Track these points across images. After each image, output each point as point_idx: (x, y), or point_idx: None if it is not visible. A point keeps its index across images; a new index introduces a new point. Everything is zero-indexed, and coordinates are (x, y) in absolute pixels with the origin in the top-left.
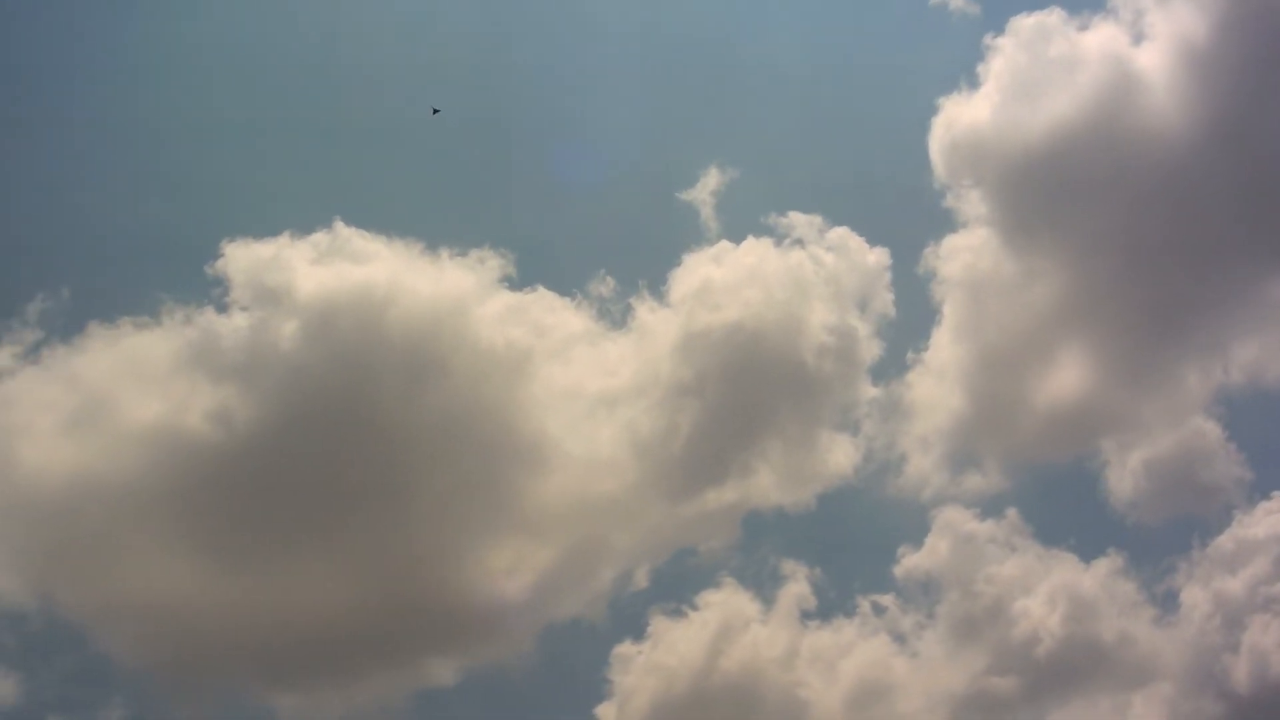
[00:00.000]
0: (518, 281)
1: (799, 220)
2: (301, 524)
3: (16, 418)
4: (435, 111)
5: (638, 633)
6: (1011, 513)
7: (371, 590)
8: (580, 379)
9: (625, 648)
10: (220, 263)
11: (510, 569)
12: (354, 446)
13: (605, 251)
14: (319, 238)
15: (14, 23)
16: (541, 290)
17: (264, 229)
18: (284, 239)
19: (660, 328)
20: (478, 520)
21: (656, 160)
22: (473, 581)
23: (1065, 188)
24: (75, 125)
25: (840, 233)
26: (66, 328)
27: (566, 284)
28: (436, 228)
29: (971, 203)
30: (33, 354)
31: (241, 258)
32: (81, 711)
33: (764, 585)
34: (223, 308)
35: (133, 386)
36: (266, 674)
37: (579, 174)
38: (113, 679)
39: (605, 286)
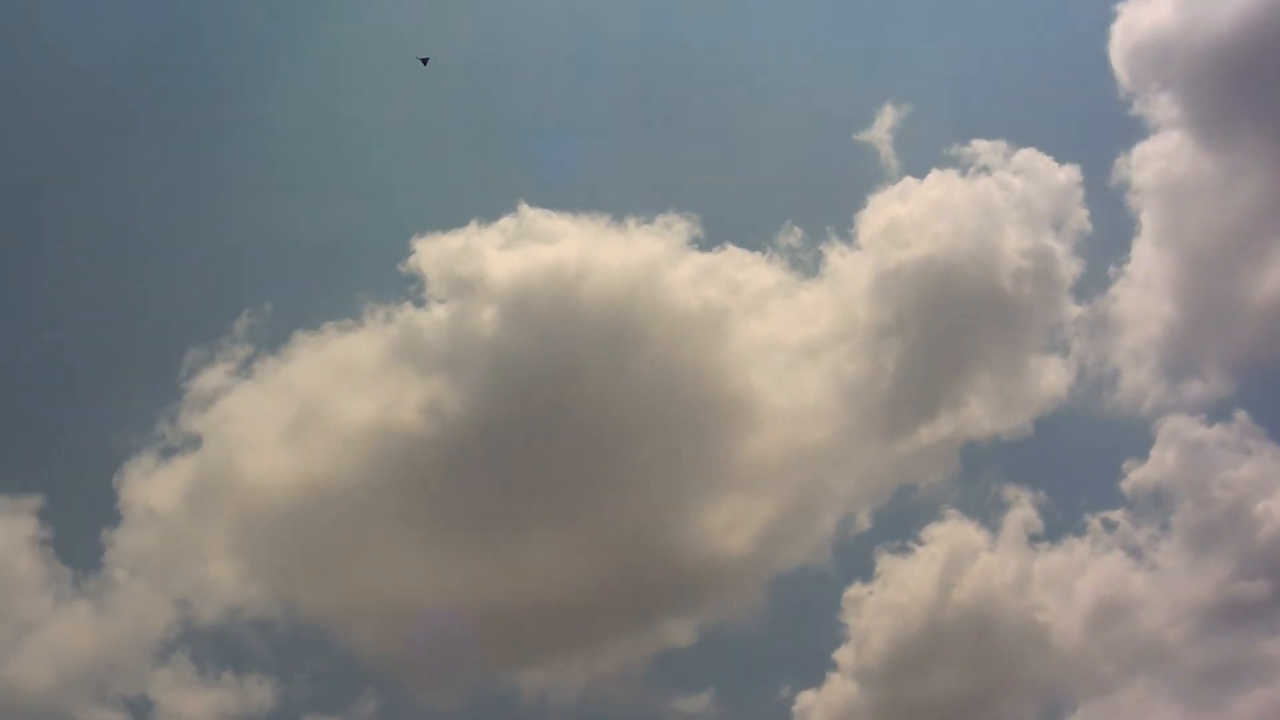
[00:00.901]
0: (706, 242)
1: (982, 147)
2: (523, 504)
3: (237, 432)
4: (425, 61)
5: (866, 574)
6: (1240, 415)
7: (599, 561)
8: (779, 331)
9: (855, 590)
10: (413, 259)
11: (731, 525)
12: (564, 422)
13: (789, 202)
14: (505, 223)
15: (197, 36)
16: (730, 248)
17: (451, 221)
18: (471, 228)
19: (852, 271)
20: (693, 481)
21: (830, 105)
22: (697, 541)
23: (1262, 77)
24: (251, 139)
25: (1026, 155)
26: (274, 339)
27: (754, 239)
28: (619, 199)
29: (1160, 107)
30: (245, 369)
31: (433, 252)
32: (337, 709)
33: (988, 513)
34: (420, 302)
35: (344, 389)
36: (508, 653)
37: (752, 127)
38: (362, 674)
39: (793, 237)
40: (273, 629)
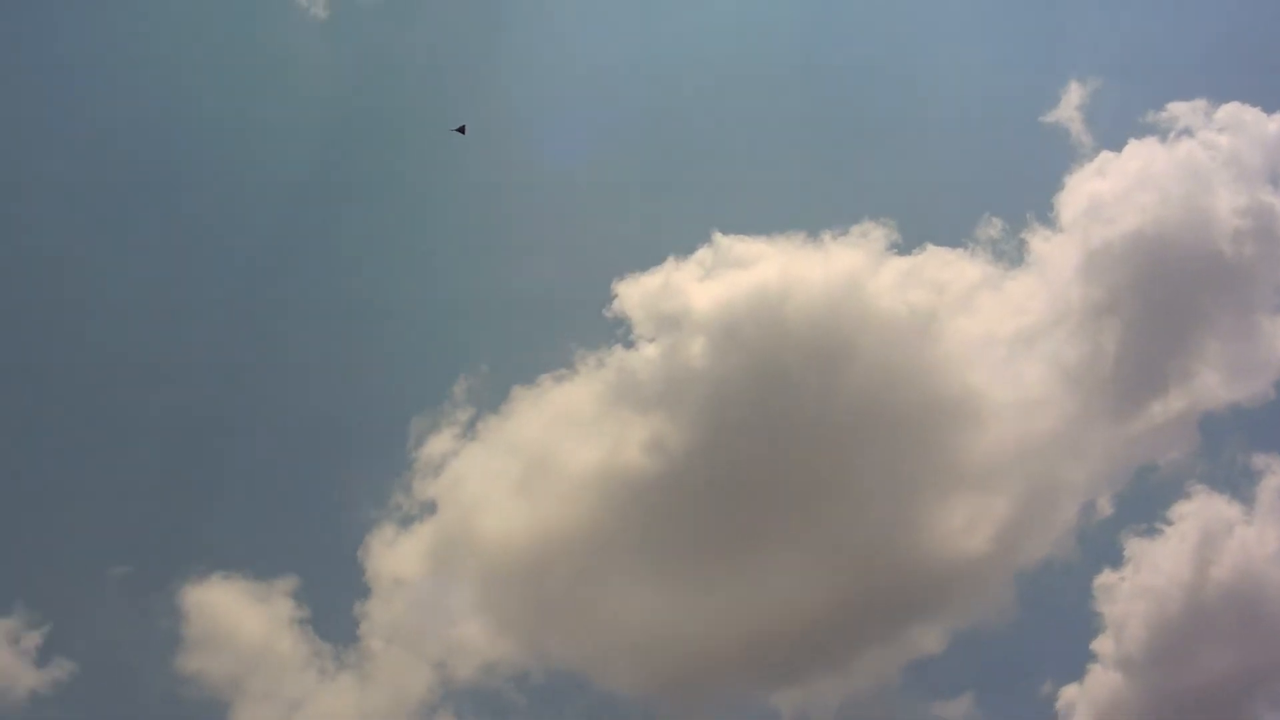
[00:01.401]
0: (904, 245)
1: (1180, 110)
2: (757, 527)
3: (470, 493)
4: (461, 130)
5: (1115, 560)
6: None
7: (839, 576)
8: (991, 325)
9: (1105, 578)
10: (616, 303)
11: (968, 526)
12: (786, 442)
13: (984, 194)
14: (702, 254)
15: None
16: (930, 248)
17: (648, 260)
18: (669, 264)
19: (1059, 255)
20: (924, 486)
21: (1010, 89)
22: (935, 546)
23: None
24: (442, 202)
25: (1230, 109)
26: (493, 398)
27: (953, 235)
28: (812, 214)
29: None
30: (469, 431)
31: (634, 293)
32: None
33: (1238, 485)
34: (629, 344)
35: (567, 437)
36: (762, 676)
37: (937, 123)
38: (622, 713)
39: (993, 228)
40: (529, 680)
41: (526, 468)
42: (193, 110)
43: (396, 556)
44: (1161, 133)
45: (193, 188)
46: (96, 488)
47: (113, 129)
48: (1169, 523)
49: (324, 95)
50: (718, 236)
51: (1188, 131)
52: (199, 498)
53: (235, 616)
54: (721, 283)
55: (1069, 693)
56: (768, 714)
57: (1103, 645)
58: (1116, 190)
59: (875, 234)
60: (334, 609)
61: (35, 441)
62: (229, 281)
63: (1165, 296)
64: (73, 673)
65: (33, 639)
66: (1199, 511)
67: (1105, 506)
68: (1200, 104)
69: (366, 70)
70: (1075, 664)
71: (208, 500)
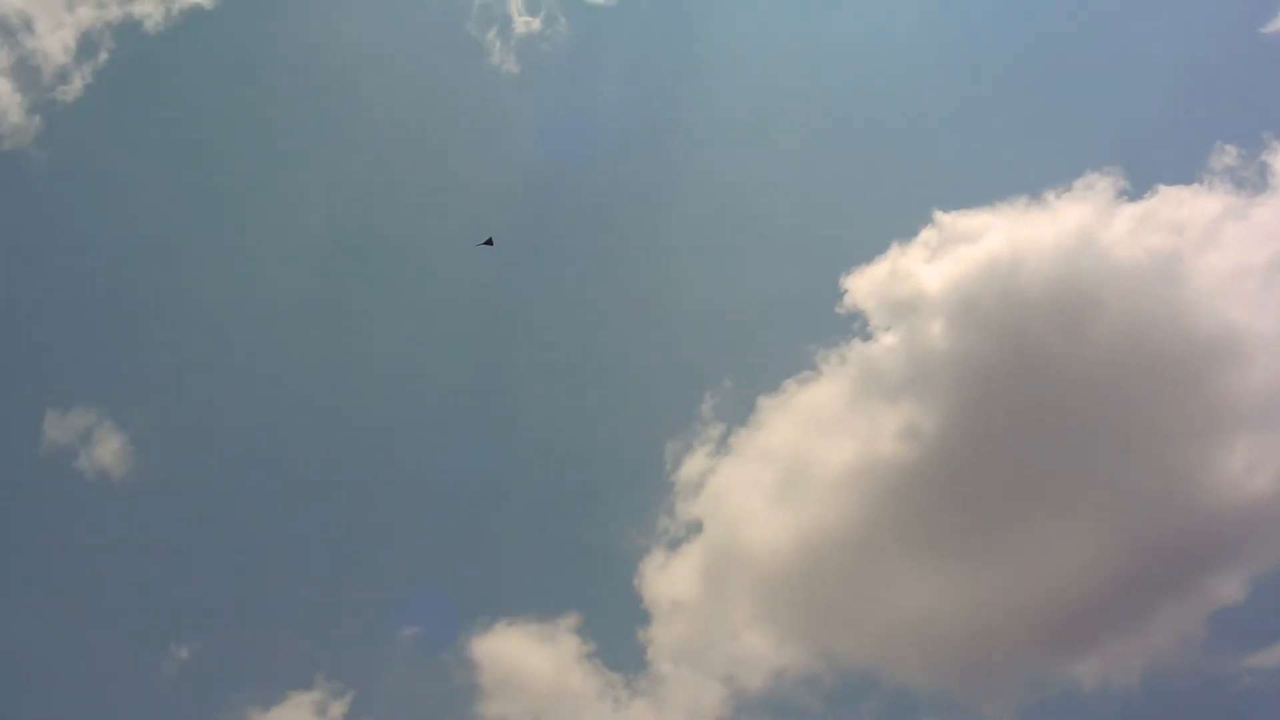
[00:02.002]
0: (1134, 191)
1: None
2: (1027, 499)
3: (733, 508)
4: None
5: None
6: None
7: (1121, 535)
8: (1241, 256)
9: None
10: (847, 298)
11: (1251, 466)
12: (1042, 409)
13: (1211, 122)
14: (925, 235)
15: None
16: (1162, 189)
17: (872, 250)
18: (894, 251)
19: None
20: (1195, 432)
21: (1223, 3)
22: (1218, 491)
23: None
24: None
25: None
26: (740, 410)
27: (1185, 172)
28: (1031, 176)
29: None
30: (722, 446)
31: (863, 286)
32: None
33: None
34: (867, 336)
35: (820, 438)
36: (1057, 648)
37: (1146, 55)
38: (919, 705)
39: (1227, 156)
40: (820, 683)
41: (784, 474)
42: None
43: (670, 579)
44: None
45: (408, 240)
46: (376, 552)
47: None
48: None
49: (522, 141)
50: (939, 215)
51: None
52: (473, 550)
53: (526, 659)
54: (950, 260)
55: None
56: (1068, 687)
57: None
58: None
59: (1101, 185)
60: (618, 639)
61: (313, 516)
62: (465, 329)
63: None
64: None
65: (339, 708)
66: None
67: None
68: None
69: (557, 117)
70: None
71: (482, 551)
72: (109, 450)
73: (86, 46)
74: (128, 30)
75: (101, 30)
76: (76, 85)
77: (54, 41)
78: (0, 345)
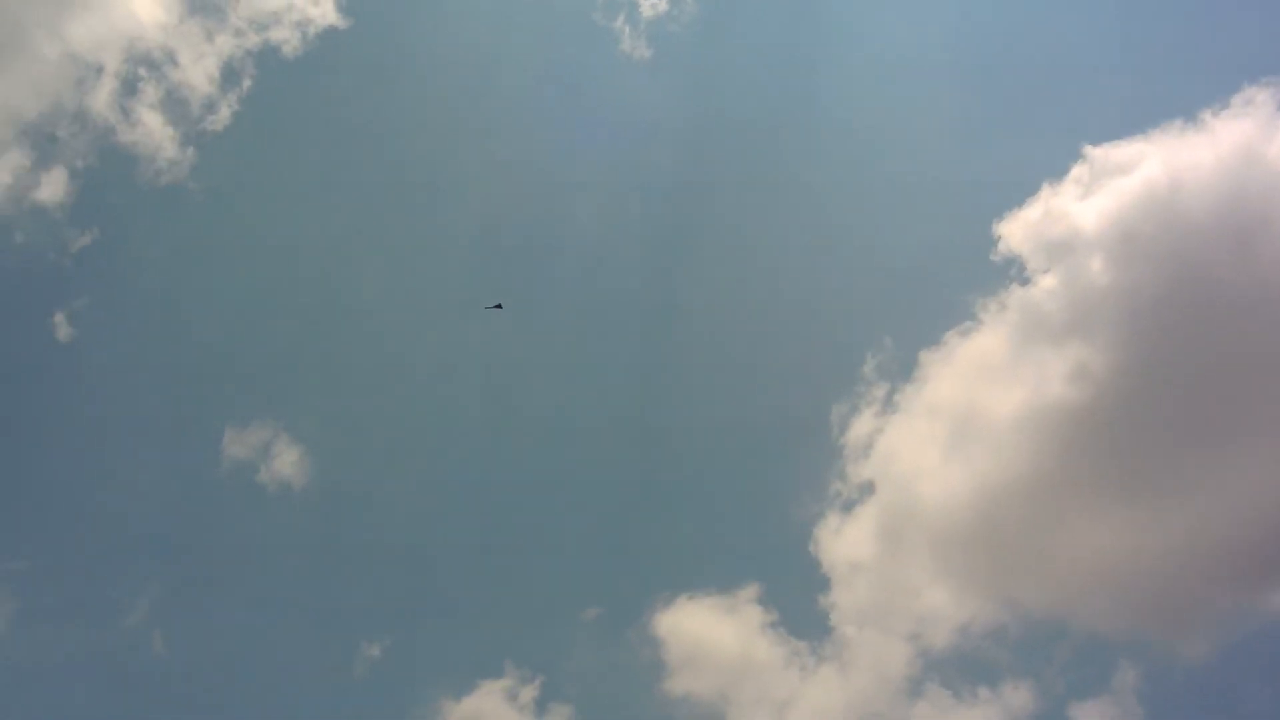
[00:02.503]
0: None
1: None
2: (1210, 428)
3: (904, 466)
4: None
5: None
6: None
7: None
8: None
9: None
10: (1001, 244)
11: None
12: (1217, 333)
13: None
14: (1076, 172)
15: None
16: None
17: (1022, 193)
18: (1044, 192)
19: None
20: None
21: None
22: None
23: None
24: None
25: None
26: (903, 368)
27: None
28: (1183, 98)
29: None
30: (888, 405)
31: (1017, 230)
32: (1098, 688)
33: None
34: (1025, 281)
35: (987, 388)
36: (1252, 580)
37: None
38: (1110, 648)
39: None
40: (1006, 634)
41: (953, 428)
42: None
43: (847, 542)
44: None
45: (562, 229)
46: (554, 539)
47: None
48: None
49: (662, 119)
50: (1088, 149)
51: None
52: (649, 529)
53: (709, 633)
54: (1104, 195)
55: None
56: (1268, 620)
57: None
58: None
59: (1261, 98)
60: (799, 606)
61: (489, 510)
62: (626, 314)
63: None
64: (570, 717)
65: (529, 693)
66: None
67: None
68: None
69: (691, 98)
70: None
71: (659, 529)
72: (287, 462)
73: (229, 75)
74: (267, 56)
75: (242, 58)
76: (224, 114)
77: (198, 73)
78: (176, 371)
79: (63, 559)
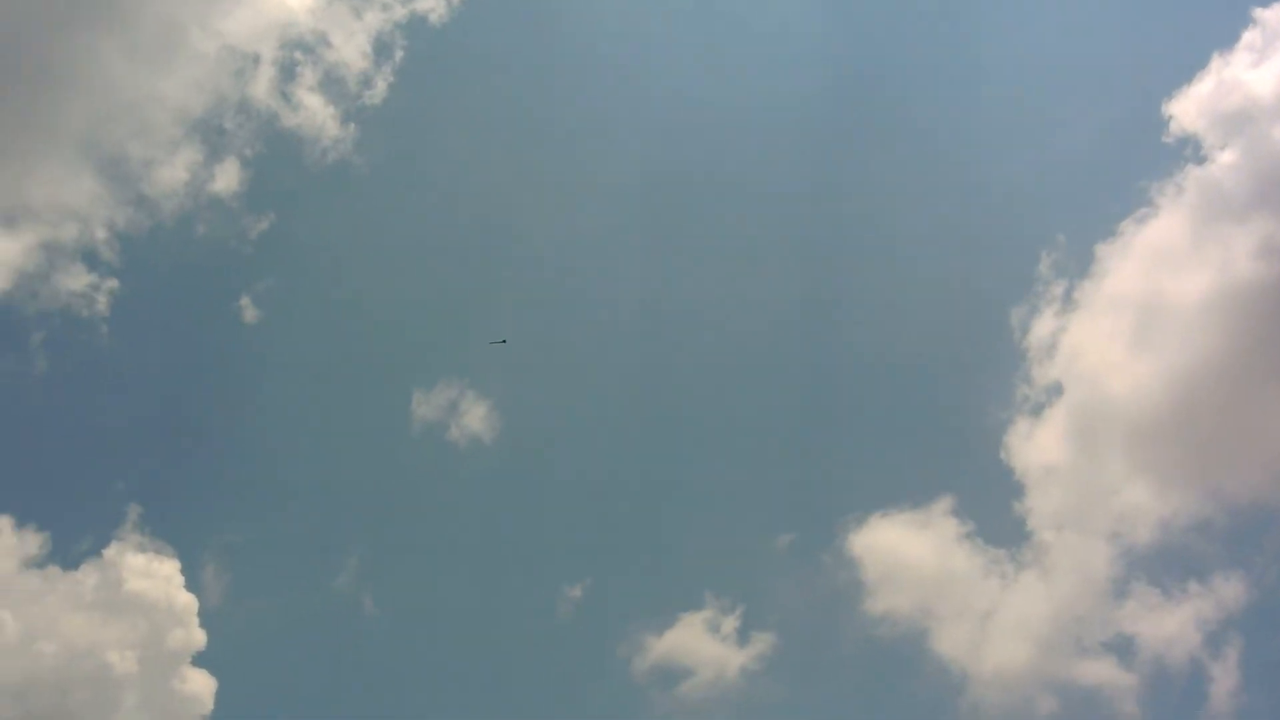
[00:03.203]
0: None
1: None
2: None
3: (1091, 362)
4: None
5: None
6: None
7: None
8: None
9: None
10: (1173, 124)
11: None
12: None
13: None
14: (1247, 38)
15: None
16: None
17: (1191, 67)
18: (1215, 64)
19: None
20: None
21: None
22: None
23: None
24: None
25: None
26: (1080, 263)
27: None
28: None
29: None
30: (1068, 303)
31: (1188, 108)
32: None
33: None
34: (1201, 159)
35: (1170, 275)
36: None
37: None
38: None
39: None
40: (1212, 526)
41: (1138, 318)
42: None
43: (1038, 446)
44: None
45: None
46: (742, 467)
47: None
48: None
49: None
50: (1258, 12)
51: None
52: (834, 450)
53: (905, 549)
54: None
55: None
56: None
57: None
58: None
59: None
60: (995, 514)
61: (676, 445)
62: (794, 246)
63: None
64: (773, 644)
65: (730, 623)
66: None
67: None
68: None
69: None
70: None
71: (844, 449)
72: (475, 417)
73: (381, 49)
74: (415, 26)
75: (391, 31)
76: (380, 88)
77: (351, 51)
78: (359, 341)
79: (272, 531)
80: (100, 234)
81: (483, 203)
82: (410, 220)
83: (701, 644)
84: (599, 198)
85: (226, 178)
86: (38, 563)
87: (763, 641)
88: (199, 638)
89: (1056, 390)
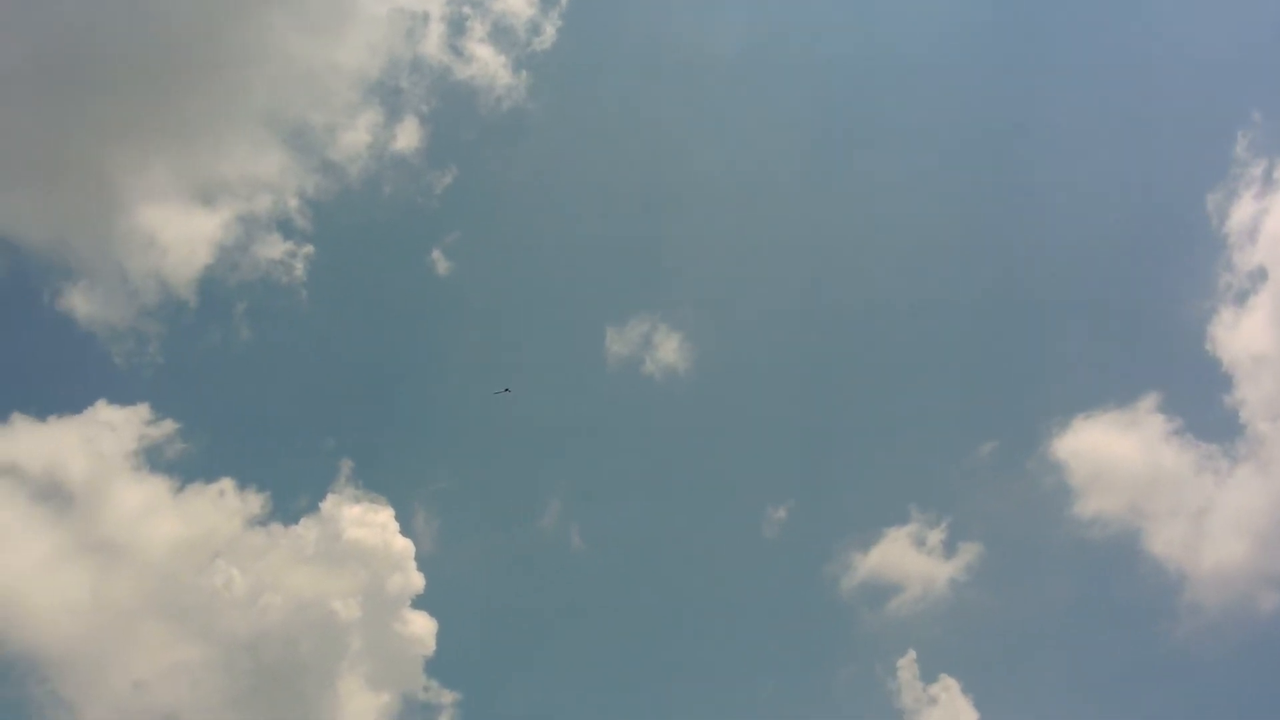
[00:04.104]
0: None
1: None
2: None
3: None
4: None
5: None
6: None
7: None
8: None
9: None
10: None
11: None
12: None
13: None
14: None
15: None
16: None
17: None
18: None
19: None
20: None
21: None
22: None
23: None
24: None
25: None
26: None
27: None
28: None
29: None
30: (1268, 183)
31: None
32: None
33: None
34: None
35: None
36: None
37: None
38: None
39: None
40: None
41: None
42: None
43: (1245, 335)
44: None
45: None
46: (941, 377)
47: None
48: None
49: None
50: None
51: None
52: (1033, 353)
53: (1111, 450)
54: None
55: None
56: None
57: None
58: None
59: None
60: (1203, 409)
61: (871, 363)
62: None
63: None
64: (981, 555)
65: (936, 535)
66: None
67: None
68: None
69: None
70: None
71: (1042, 352)
72: (669, 350)
73: None
74: None
75: None
76: (549, 33)
77: None
78: (549, 283)
79: (477, 475)
80: (292, 203)
81: (658, 138)
82: (589, 161)
83: (908, 558)
84: (776, 126)
85: (407, 136)
86: (260, 521)
87: (970, 552)
88: (417, 581)
89: (1260, 275)
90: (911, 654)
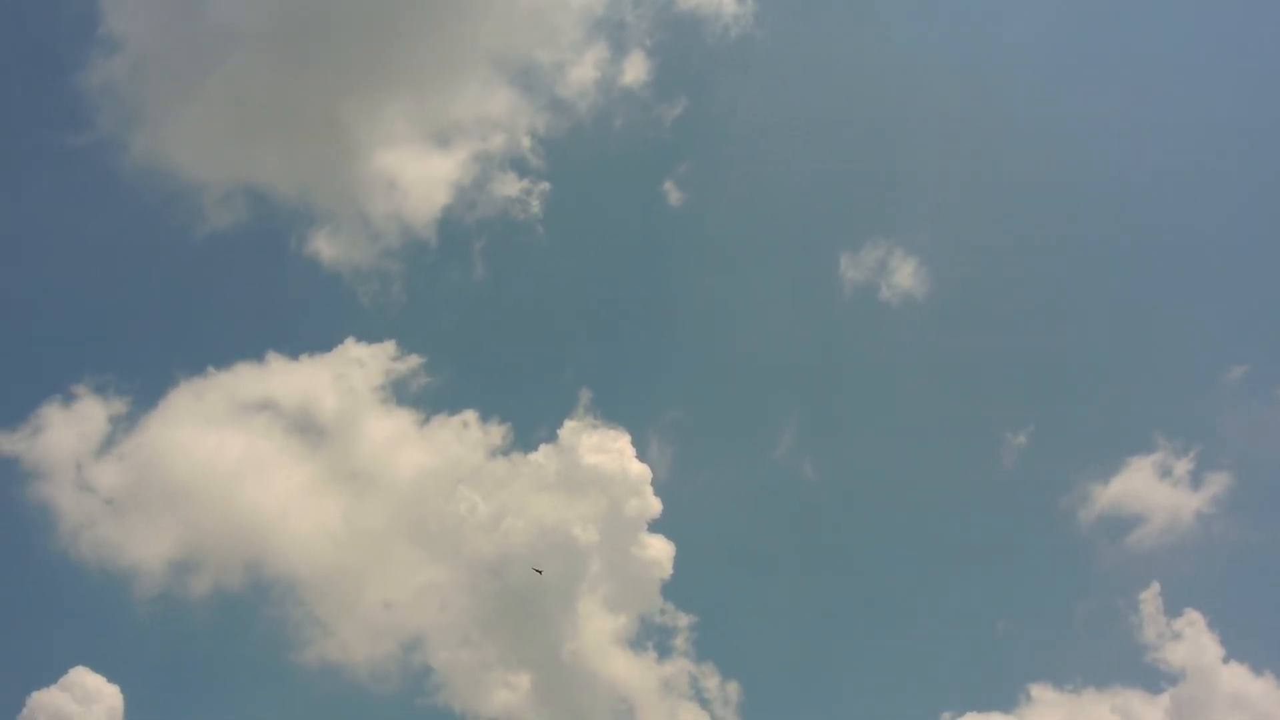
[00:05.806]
0: None
1: None
2: None
3: None
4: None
5: None
6: None
7: None
8: None
9: None
10: None
11: None
12: None
13: None
14: None
15: None
16: None
17: None
18: None
19: None
20: None
21: None
22: None
23: None
24: None
25: None
26: None
27: None
28: None
29: None
30: None
31: None
32: None
33: None
34: None
35: None
36: None
37: None
38: None
39: None
40: None
41: None
42: None
43: None
44: None
45: None
46: (1188, 298)
47: None
48: None
49: None
50: None
51: None
52: None
53: None
54: None
55: None
56: None
57: None
58: None
59: None
60: None
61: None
62: None
63: None
64: (1230, 486)
65: (1183, 465)
66: None
67: None
68: None
69: None
70: None
71: None
72: (905, 275)
73: None
74: None
75: None
76: None
77: None
78: (782, 212)
79: (712, 404)
80: (525, 141)
81: (890, 61)
82: (818, 86)
83: (1152, 489)
84: (1010, 45)
85: (634, 69)
86: (502, 450)
87: (1218, 483)
88: (654, 505)
89: None
90: (1155, 586)
